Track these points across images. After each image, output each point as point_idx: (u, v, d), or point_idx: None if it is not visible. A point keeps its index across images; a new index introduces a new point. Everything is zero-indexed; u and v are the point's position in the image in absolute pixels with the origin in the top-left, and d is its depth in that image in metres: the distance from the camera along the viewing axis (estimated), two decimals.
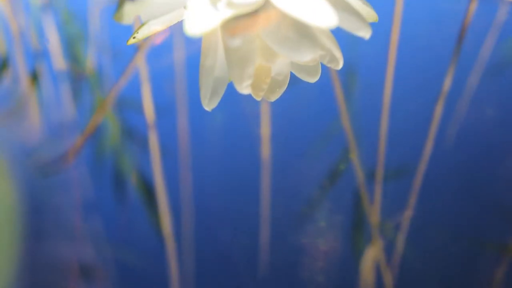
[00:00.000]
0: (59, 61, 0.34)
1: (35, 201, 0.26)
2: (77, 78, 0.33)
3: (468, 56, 0.34)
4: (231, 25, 0.34)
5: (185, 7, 0.34)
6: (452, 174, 0.28)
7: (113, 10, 0.35)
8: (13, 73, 0.33)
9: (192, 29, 0.31)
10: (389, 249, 0.25)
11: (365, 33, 0.34)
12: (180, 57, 0.35)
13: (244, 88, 0.31)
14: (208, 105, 0.30)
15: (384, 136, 0.29)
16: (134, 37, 0.34)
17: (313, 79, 0.32)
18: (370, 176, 0.27)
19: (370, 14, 0.35)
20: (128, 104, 0.31)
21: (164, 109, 0.31)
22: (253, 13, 0.34)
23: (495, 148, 0.29)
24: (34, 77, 0.33)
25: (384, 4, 0.38)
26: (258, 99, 0.31)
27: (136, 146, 0.29)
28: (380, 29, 0.36)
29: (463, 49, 0.35)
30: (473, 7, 0.37)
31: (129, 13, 0.36)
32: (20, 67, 0.34)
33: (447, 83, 0.32)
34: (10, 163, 0.27)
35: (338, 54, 0.33)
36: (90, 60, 0.34)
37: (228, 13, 0.33)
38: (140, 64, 0.34)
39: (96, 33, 0.37)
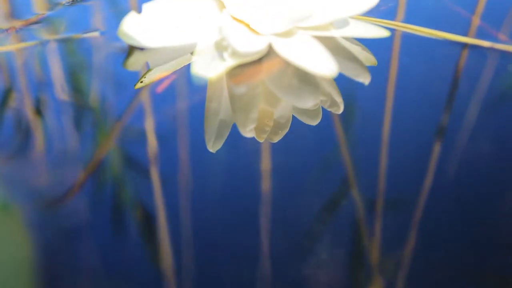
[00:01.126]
0: (63, 93, 0.35)
1: (39, 235, 0.26)
2: (81, 110, 0.34)
3: (465, 94, 0.35)
4: (236, 74, 0.35)
5: (191, 53, 0.36)
6: (452, 208, 0.28)
7: (117, 37, 0.36)
8: (17, 104, 0.34)
9: (199, 72, 0.32)
10: (390, 285, 0.25)
11: (365, 79, 0.35)
12: (183, 92, 0.35)
13: (247, 132, 0.32)
14: (213, 147, 0.31)
15: (383, 170, 0.29)
16: (141, 82, 0.35)
17: (314, 122, 0.32)
18: (370, 210, 0.27)
19: (369, 58, 0.37)
20: (131, 137, 0.32)
21: (166, 142, 0.32)
22: (257, 61, 0.35)
23: (495, 181, 0.29)
24: (38, 109, 0.34)
25: (382, 45, 0.39)
26: (261, 141, 0.31)
27: (138, 179, 0.30)
28: (379, 67, 0.37)
29: (459, 87, 0.36)
30: (466, 52, 0.38)
31: (137, 62, 0.37)
32: (25, 98, 0.35)
33: (445, 117, 0.33)
34: (15, 198, 0.28)
35: (339, 99, 0.33)
36: (94, 91, 0.35)
37: (233, 62, 0.34)
38: (144, 98, 0.35)
39: (100, 64, 0.38)
